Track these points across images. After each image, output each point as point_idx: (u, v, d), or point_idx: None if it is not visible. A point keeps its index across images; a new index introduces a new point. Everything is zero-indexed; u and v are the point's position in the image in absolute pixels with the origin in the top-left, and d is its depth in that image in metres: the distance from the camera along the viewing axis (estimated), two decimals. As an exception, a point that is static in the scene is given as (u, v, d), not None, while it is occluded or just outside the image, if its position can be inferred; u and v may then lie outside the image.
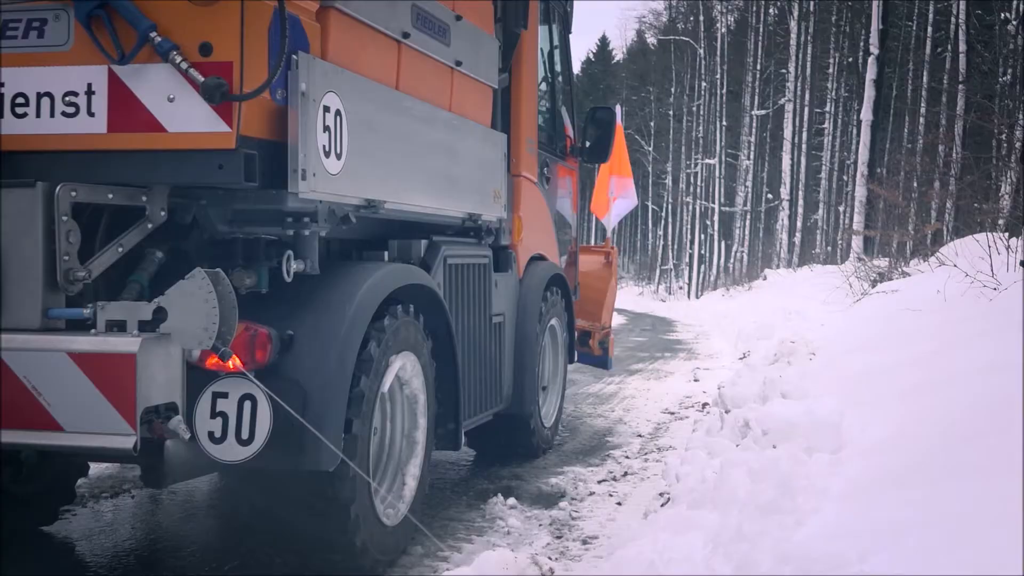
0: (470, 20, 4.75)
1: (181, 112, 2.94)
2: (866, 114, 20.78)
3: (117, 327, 2.82)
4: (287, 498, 3.64)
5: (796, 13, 34.01)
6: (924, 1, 29.15)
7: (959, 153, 19.93)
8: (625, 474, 6.03)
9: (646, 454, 6.66)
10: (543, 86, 6.60)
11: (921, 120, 28.32)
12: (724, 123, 42.91)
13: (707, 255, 46.47)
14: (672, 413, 8.44)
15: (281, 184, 3.12)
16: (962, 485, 2.57)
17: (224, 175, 2.96)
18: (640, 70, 57.68)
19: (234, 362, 3.05)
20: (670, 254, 53.04)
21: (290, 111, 3.10)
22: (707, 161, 44.86)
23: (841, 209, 33.85)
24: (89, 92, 2.99)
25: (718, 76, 42.95)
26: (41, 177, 2.90)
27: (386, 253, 4.16)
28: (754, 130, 40.36)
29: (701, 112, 46.58)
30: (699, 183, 46.69)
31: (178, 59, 2.86)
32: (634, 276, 63.42)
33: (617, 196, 9.53)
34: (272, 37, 2.98)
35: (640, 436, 7.38)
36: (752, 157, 40.87)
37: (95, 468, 5.22)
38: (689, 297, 45.24)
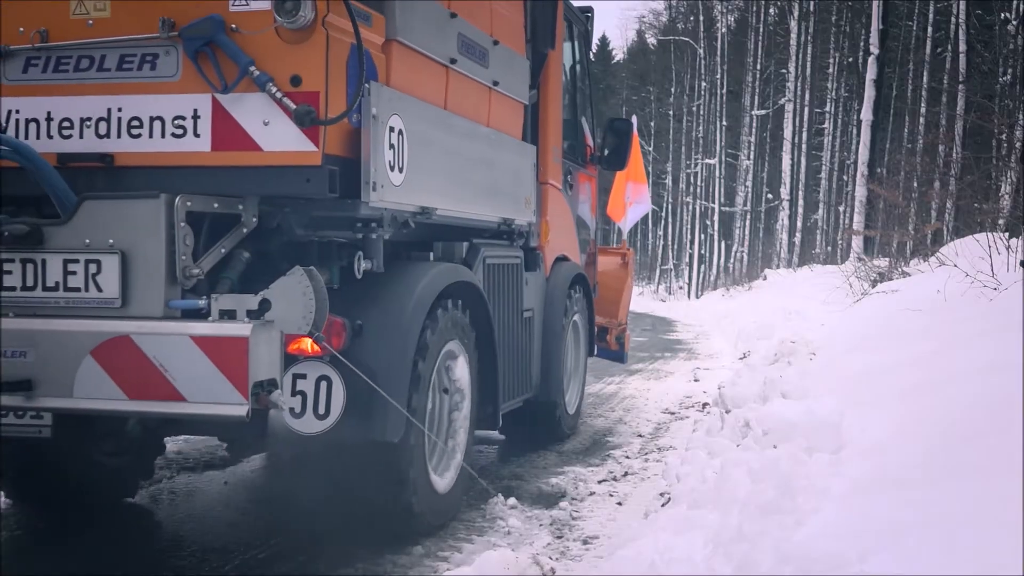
0: (505, 44, 5.34)
1: (275, 134, 3.47)
2: (866, 114, 20.78)
3: (228, 315, 3.28)
4: (351, 468, 4.13)
5: (796, 13, 34.01)
6: (924, 1, 29.15)
7: (959, 153, 19.93)
8: (625, 474, 6.03)
9: (646, 454, 6.66)
10: (566, 99, 7.07)
11: (921, 120, 28.32)
12: (724, 123, 42.89)
13: (707, 255, 46.46)
14: (672, 413, 8.44)
15: (354, 194, 3.63)
16: (962, 485, 2.57)
17: (311, 188, 3.48)
18: (640, 70, 57.65)
19: (313, 347, 3.54)
20: (670, 254, 53.03)
21: (363, 132, 3.65)
22: (707, 161, 44.85)
23: (841, 209, 33.84)
24: (195, 116, 3.54)
25: (718, 76, 42.94)
26: (154, 189, 3.37)
27: (431, 254, 4.64)
28: (754, 130, 40.35)
29: (701, 112, 46.56)
30: (699, 183, 46.68)
31: (273, 89, 3.37)
32: (634, 276, 63.39)
33: (633, 201, 9.94)
34: (350, 69, 3.53)
35: (640, 436, 7.38)
36: (752, 157, 40.86)
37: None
38: (689, 297, 45.20)
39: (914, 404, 3.81)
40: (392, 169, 3.85)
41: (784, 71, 36.63)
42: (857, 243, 20.69)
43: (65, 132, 3.63)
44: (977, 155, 18.14)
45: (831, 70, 35.40)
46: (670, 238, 53.10)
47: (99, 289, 3.34)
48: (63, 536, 4.60)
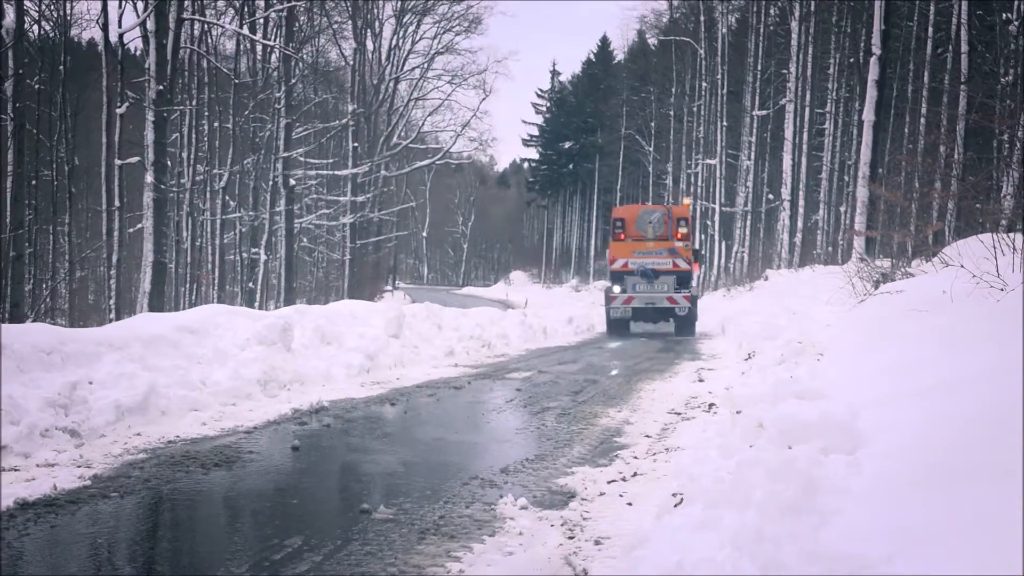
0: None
1: None
2: (868, 114, 20.77)
3: None
4: None
5: (797, 14, 34.00)
6: (925, 1, 29.13)
7: (960, 154, 19.91)
8: (635, 474, 6.02)
9: (654, 454, 6.65)
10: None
11: (922, 120, 28.31)
12: (725, 123, 42.88)
13: (707, 255, 46.45)
14: (678, 414, 8.43)
15: None
16: (982, 486, 2.57)
17: None
18: (641, 70, 57.62)
19: None
20: (670, 254, 52.90)
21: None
22: (708, 161, 44.83)
23: (842, 209, 33.84)
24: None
25: (719, 76, 42.93)
26: None
27: None
28: (754, 130, 40.36)
29: (702, 112, 46.55)
30: (700, 183, 46.67)
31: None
32: (634, 276, 63.36)
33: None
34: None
35: (648, 436, 7.38)
36: (752, 157, 40.85)
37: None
38: (690, 297, 44.96)
39: (927, 405, 3.81)
40: None
41: (785, 71, 36.63)
42: (859, 243, 20.67)
43: None
44: (979, 155, 18.13)
45: (831, 70, 35.40)
46: (670, 238, 53.02)
47: None
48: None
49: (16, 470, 5.53)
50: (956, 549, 2.26)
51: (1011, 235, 8.32)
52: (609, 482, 5.83)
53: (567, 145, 73.93)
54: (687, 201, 26.66)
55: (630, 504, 5.31)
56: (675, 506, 4.33)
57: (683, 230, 20.25)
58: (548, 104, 78.69)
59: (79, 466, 5.75)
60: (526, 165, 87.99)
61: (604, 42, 73.81)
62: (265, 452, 6.49)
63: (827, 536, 2.40)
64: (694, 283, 21.29)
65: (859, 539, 2.34)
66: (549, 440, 7.19)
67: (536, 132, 78.93)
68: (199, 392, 7.62)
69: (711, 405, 8.54)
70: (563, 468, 6.19)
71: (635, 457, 6.57)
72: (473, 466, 6.21)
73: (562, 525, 4.90)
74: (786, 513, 2.64)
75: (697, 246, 47.06)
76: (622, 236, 19.97)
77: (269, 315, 10.17)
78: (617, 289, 19.90)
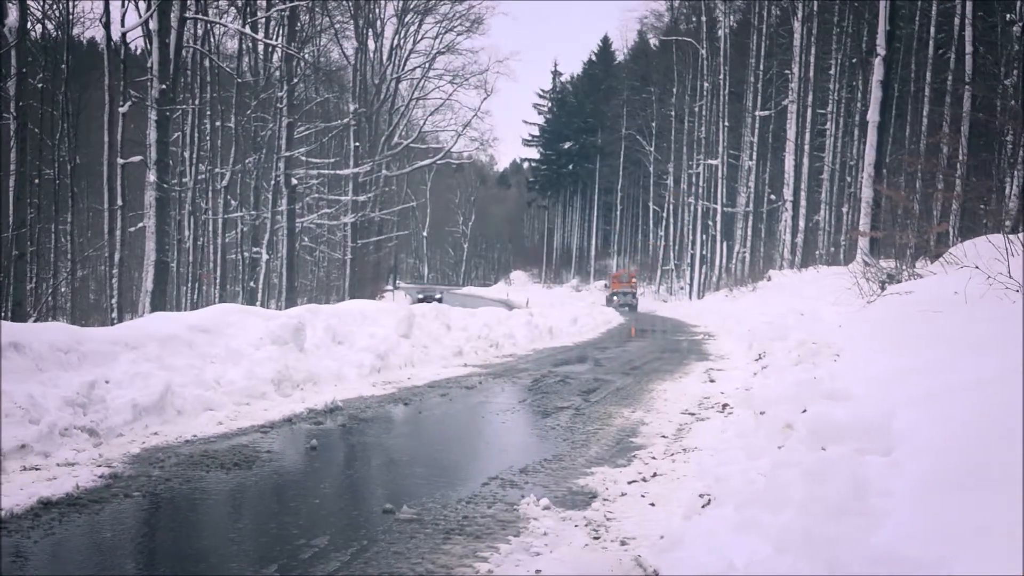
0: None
1: None
2: (873, 115, 20.78)
3: None
4: None
5: (800, 14, 34.00)
6: (927, 2, 29.15)
7: (965, 154, 19.93)
8: (654, 475, 6.01)
9: (672, 455, 6.64)
10: None
11: (924, 121, 28.33)
12: (726, 124, 42.87)
13: (709, 256, 46.44)
14: (692, 414, 8.42)
15: None
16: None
17: None
18: (642, 70, 57.63)
19: None
20: (671, 254, 52.98)
21: None
22: (709, 162, 44.82)
23: (844, 210, 33.86)
24: None
25: (720, 77, 42.92)
26: None
27: None
28: (756, 131, 40.37)
29: (703, 113, 46.54)
30: (701, 183, 46.67)
31: None
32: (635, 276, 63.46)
33: None
34: None
35: (664, 437, 7.37)
36: (754, 158, 40.86)
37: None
38: (690, 298, 45.11)
39: (959, 405, 3.81)
40: None
41: (787, 72, 36.63)
42: (863, 244, 20.69)
43: None
44: (983, 157, 18.13)
45: (832, 71, 35.42)
46: (671, 239, 53.07)
47: None
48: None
49: (37, 469, 5.52)
50: (1009, 549, 2.26)
51: (1021, 236, 8.31)
52: (629, 482, 5.82)
53: (568, 145, 73.94)
54: (635, 268, 57.44)
55: (653, 505, 5.30)
56: (703, 507, 4.32)
57: (633, 279, 48.60)
58: (549, 104, 78.71)
59: (99, 465, 5.73)
60: (527, 165, 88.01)
61: (605, 42, 73.83)
62: (283, 452, 6.48)
63: (879, 538, 2.39)
64: (638, 293, 48.56)
65: (912, 540, 2.33)
66: (565, 440, 7.18)
67: (537, 132, 78.95)
68: (213, 391, 7.61)
69: (725, 406, 8.53)
70: (582, 468, 6.18)
71: (653, 457, 6.56)
72: (491, 466, 6.20)
73: (586, 525, 4.89)
74: (834, 514, 2.63)
75: (699, 248, 47.11)
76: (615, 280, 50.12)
77: (281, 315, 10.15)
78: (612, 295, 47.30)
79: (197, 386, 7.43)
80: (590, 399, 9.44)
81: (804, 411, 4.79)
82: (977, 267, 7.53)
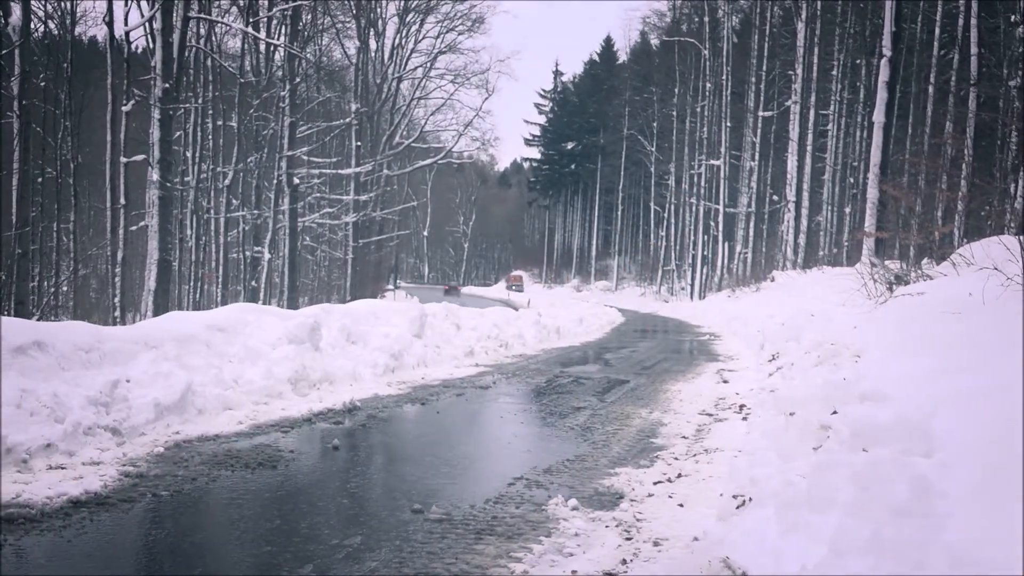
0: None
1: None
2: (879, 116, 20.77)
3: None
4: None
5: (804, 15, 34.02)
6: (931, 3, 29.18)
7: (970, 155, 19.95)
8: (679, 475, 6.00)
9: (695, 456, 6.64)
10: None
11: (927, 121, 28.36)
12: (728, 124, 42.90)
13: (710, 256, 46.47)
14: (710, 415, 8.42)
15: None
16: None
17: None
18: (644, 71, 57.65)
19: None
20: (672, 255, 53.02)
21: None
22: (711, 162, 44.84)
23: (846, 210, 33.88)
24: None
25: (723, 77, 42.95)
26: None
27: None
28: (758, 131, 40.40)
29: (705, 113, 46.56)
30: (703, 184, 46.69)
31: None
32: (636, 276, 63.48)
33: None
34: None
35: (684, 438, 7.37)
36: (756, 158, 40.89)
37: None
38: (692, 298, 45.15)
39: (997, 406, 3.80)
40: None
41: (790, 72, 36.67)
42: (868, 244, 20.69)
43: None
44: (988, 157, 18.14)
45: (835, 72, 35.46)
46: (672, 239, 53.11)
47: None
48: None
49: (63, 468, 5.50)
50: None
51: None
52: (655, 483, 5.82)
53: (569, 145, 73.97)
54: (523, 273, 73.83)
55: (681, 505, 5.29)
56: (737, 508, 4.32)
57: (520, 280, 71.71)
58: (551, 104, 78.72)
59: (124, 464, 5.72)
60: (527, 165, 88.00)
61: (608, 42, 73.86)
62: (306, 451, 6.47)
63: (948, 539, 2.39)
64: (524, 289, 66.87)
65: (981, 542, 2.33)
66: (585, 441, 7.18)
67: (538, 132, 78.96)
68: (232, 391, 7.59)
69: (742, 407, 8.53)
70: (605, 469, 6.18)
71: (676, 458, 6.56)
72: (515, 466, 6.19)
73: (616, 526, 4.88)
74: (898, 515, 2.63)
75: (700, 248, 47.11)
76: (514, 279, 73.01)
77: (298, 314, 10.13)
78: (512, 285, 68.57)
79: (216, 385, 7.41)
80: (605, 399, 9.43)
81: (834, 412, 4.77)
82: (995, 268, 7.52)
